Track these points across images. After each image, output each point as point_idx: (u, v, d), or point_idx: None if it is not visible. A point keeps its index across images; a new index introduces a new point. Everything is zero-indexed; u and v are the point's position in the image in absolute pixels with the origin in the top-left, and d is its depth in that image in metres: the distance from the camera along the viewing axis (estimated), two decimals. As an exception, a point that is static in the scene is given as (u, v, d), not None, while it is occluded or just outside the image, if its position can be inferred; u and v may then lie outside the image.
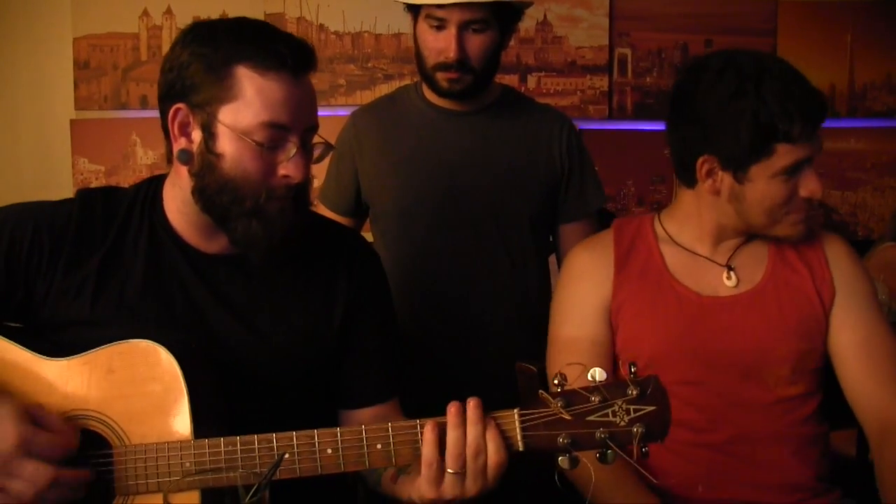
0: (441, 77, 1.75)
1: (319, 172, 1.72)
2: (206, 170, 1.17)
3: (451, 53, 1.70)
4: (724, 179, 1.36)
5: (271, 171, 1.17)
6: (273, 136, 1.15)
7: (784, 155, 1.31)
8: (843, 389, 1.41)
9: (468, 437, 1.04)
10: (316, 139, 1.22)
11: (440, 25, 1.71)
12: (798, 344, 1.39)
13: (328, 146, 1.24)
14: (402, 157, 1.86)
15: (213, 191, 1.17)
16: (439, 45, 1.72)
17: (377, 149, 1.88)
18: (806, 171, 1.34)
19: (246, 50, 1.14)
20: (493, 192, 1.83)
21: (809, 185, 1.34)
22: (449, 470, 1.04)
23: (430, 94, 1.86)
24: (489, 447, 1.04)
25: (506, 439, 1.05)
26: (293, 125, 1.16)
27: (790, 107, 1.29)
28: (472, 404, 1.05)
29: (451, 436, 1.04)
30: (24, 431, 1.04)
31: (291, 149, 1.17)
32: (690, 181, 1.42)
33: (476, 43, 1.72)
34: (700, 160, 1.36)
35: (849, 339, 1.40)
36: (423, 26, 1.75)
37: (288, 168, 1.17)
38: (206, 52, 1.15)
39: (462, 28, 1.70)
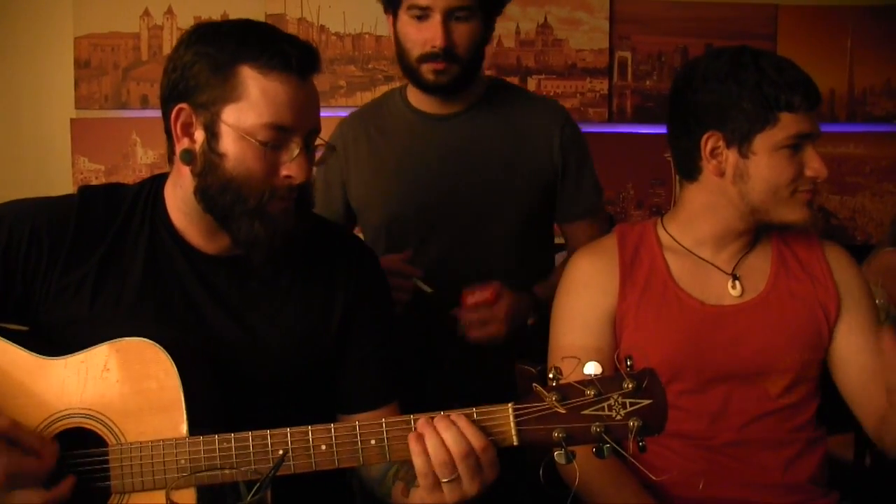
0: (427, 69, 1.71)
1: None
2: (208, 169, 1.17)
3: (438, 41, 1.66)
4: (729, 157, 1.37)
5: (274, 171, 1.17)
6: (276, 137, 1.15)
7: (787, 125, 1.33)
8: (844, 394, 1.42)
9: (447, 442, 1.03)
10: (318, 141, 1.22)
11: (423, 15, 1.68)
12: (801, 355, 1.40)
13: (330, 147, 1.24)
14: (388, 165, 1.83)
15: (215, 190, 1.17)
16: (424, 35, 1.69)
17: (364, 158, 1.86)
18: (809, 150, 1.36)
19: (251, 50, 1.14)
20: (482, 195, 1.79)
21: (813, 164, 1.35)
22: (443, 480, 1.04)
23: (414, 98, 1.83)
24: (473, 444, 1.03)
25: (497, 433, 1.05)
26: (297, 126, 1.16)
27: (790, 77, 1.33)
28: (435, 418, 1.05)
29: (430, 444, 1.04)
30: (7, 464, 1.03)
31: (294, 150, 1.17)
32: (694, 171, 1.42)
33: (462, 31, 1.69)
34: (704, 138, 1.37)
35: (856, 349, 1.41)
36: (404, 20, 1.71)
37: (291, 168, 1.17)
38: (210, 52, 1.15)
39: (447, 15, 1.67)
